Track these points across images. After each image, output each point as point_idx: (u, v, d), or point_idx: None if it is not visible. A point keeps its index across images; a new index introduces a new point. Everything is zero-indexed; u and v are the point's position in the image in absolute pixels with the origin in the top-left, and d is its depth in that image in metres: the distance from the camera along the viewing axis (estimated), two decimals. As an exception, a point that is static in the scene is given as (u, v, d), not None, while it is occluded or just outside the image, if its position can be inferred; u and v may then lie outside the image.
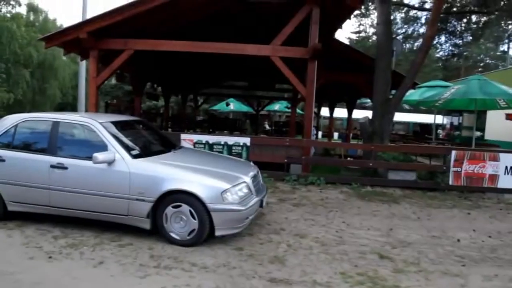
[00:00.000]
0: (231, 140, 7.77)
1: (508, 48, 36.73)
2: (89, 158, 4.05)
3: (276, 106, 26.50)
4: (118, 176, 4.09)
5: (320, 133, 23.61)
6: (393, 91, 9.46)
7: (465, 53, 38.23)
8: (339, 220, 5.41)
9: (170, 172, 4.07)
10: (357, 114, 20.75)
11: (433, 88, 14.19)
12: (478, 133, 20.99)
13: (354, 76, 11.05)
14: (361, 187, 7.60)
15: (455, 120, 25.23)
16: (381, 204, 6.52)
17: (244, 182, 4.27)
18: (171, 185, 3.94)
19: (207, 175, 4.07)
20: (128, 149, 4.29)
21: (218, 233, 3.97)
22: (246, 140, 7.81)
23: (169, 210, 3.99)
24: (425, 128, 26.53)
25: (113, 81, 28.71)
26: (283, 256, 3.93)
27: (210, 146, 7.68)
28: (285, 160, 8.05)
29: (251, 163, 5.31)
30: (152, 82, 15.39)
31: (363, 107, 27.75)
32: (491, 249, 4.60)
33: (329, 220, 5.38)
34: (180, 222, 4.00)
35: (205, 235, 3.98)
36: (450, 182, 7.52)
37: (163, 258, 3.73)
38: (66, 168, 4.24)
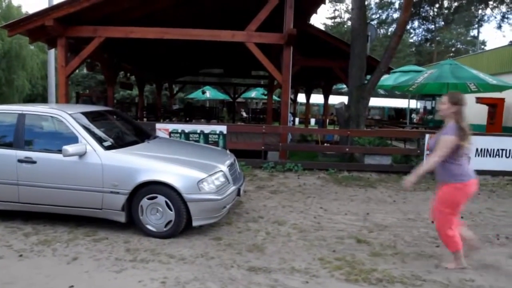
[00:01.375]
0: (207, 128, 7.67)
1: (478, 33, 37.68)
2: (59, 151, 3.89)
3: (253, 94, 26.43)
4: (91, 168, 3.95)
5: (297, 120, 23.72)
6: (368, 76, 9.53)
7: (437, 38, 39.02)
8: (317, 206, 5.45)
9: (144, 163, 3.96)
10: (334, 99, 20.93)
11: (407, 73, 14.44)
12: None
13: (330, 61, 11.08)
14: (338, 173, 7.69)
15: (428, 105, 25.82)
16: (358, 188, 6.61)
17: (221, 171, 4.22)
18: (146, 176, 3.85)
19: (182, 165, 3.99)
20: (100, 140, 4.14)
21: (195, 223, 3.91)
22: (223, 128, 7.73)
23: (145, 202, 3.90)
24: (400, 112, 27.09)
25: (85, 70, 27.91)
26: (262, 244, 3.92)
27: (186, 135, 7.56)
28: (262, 148, 8.02)
29: (228, 152, 5.25)
30: (125, 71, 14.98)
31: (339, 92, 27.98)
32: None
33: (307, 207, 5.42)
34: (156, 214, 3.92)
35: (182, 226, 3.92)
36: (424, 165, 7.68)
37: (139, 251, 3.65)
38: (34, 162, 4.07)
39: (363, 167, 7.79)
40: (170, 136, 7.55)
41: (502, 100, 16.72)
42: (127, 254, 3.58)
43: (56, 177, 4.03)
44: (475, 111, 17.71)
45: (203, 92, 24.14)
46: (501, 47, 18.59)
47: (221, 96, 26.22)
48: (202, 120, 19.24)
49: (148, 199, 3.89)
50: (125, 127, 5.20)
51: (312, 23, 11.20)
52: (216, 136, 7.62)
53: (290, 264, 3.49)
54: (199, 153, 4.74)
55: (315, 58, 11.37)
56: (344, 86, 21.83)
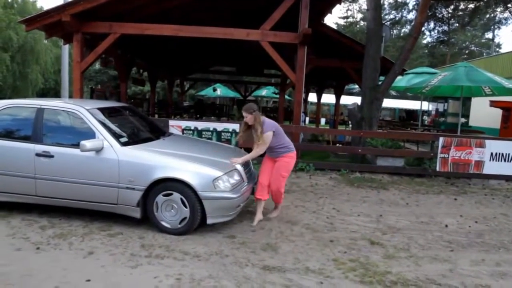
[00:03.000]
0: (220, 126, 7.69)
1: (494, 35, 37.14)
2: (76, 146, 3.94)
3: (264, 92, 26.42)
4: (107, 164, 3.99)
5: (307, 119, 23.66)
6: (382, 78, 9.47)
7: (451, 40, 38.58)
8: (329, 207, 5.43)
9: (160, 159, 3.99)
10: (345, 100, 20.82)
11: (420, 75, 14.31)
12: (462, 120, 21.35)
13: (343, 62, 11.03)
14: (350, 173, 7.66)
15: (441, 107, 25.54)
16: (370, 190, 6.58)
17: (235, 169, 4.23)
18: (162, 173, 3.87)
19: (198, 163, 4.01)
20: (116, 136, 4.18)
21: (209, 221, 3.93)
22: (236, 126, 7.74)
23: (160, 198, 3.93)
24: (411, 114, 26.85)
25: (97, 66, 28.15)
26: (275, 244, 3.92)
27: (199, 133, 7.59)
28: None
29: (242, 150, 5.26)
30: (138, 67, 15.07)
31: (350, 93, 27.84)
32: (478, 234, 4.69)
33: (320, 207, 5.41)
34: (171, 211, 3.95)
35: (196, 223, 3.94)
36: (437, 168, 7.62)
37: (154, 247, 3.68)
38: (52, 156, 4.12)
39: (375, 169, 7.75)
40: (183, 133, 7.59)
41: (517, 103, 16.47)
42: (142, 249, 3.62)
43: (73, 172, 4.08)
44: (489, 115, 17.52)
45: (214, 90, 24.19)
46: (514, 51, 18.32)
47: (231, 93, 26.26)
48: (213, 117, 19.31)
49: (164, 195, 3.92)
50: (140, 124, 5.24)
51: (325, 23, 11.15)
52: (229, 134, 7.64)
53: (304, 264, 3.49)
54: (213, 151, 4.76)
55: (328, 58, 11.33)
56: (356, 86, 21.71)
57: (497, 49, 37.63)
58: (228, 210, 3.96)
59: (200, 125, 7.67)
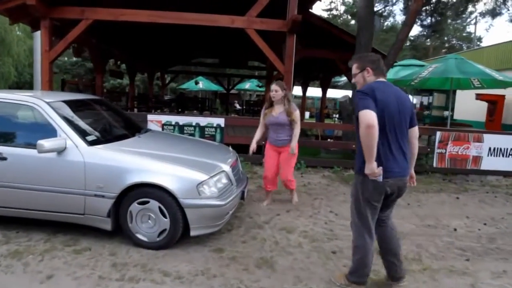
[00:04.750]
0: (203, 121, 7.09)
1: (475, 29, 37.39)
2: (34, 146, 3.30)
3: (247, 85, 25.82)
4: (71, 167, 3.37)
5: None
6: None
7: (433, 33, 38.67)
8: (326, 210, 4.93)
9: (134, 161, 3.39)
10: (330, 93, 20.42)
11: (408, 67, 13.97)
12: (447, 113, 21.26)
13: (332, 53, 10.50)
14: (343, 171, 7.19)
15: (425, 100, 25.50)
16: (367, 189, 6.11)
17: (223, 171, 3.67)
18: (136, 178, 3.28)
19: (179, 165, 3.42)
20: (83, 134, 3.55)
21: (193, 232, 3.36)
22: (220, 121, 7.16)
23: (135, 207, 3.34)
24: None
25: (74, 58, 26.93)
26: (271, 258, 3.38)
27: (181, 128, 6.97)
28: (263, 142, 7.46)
29: (230, 148, 4.69)
30: (116, 59, 14.25)
31: (334, 86, 27.42)
32: (490, 239, 4.28)
33: (316, 210, 4.90)
34: (148, 221, 3.36)
35: (178, 235, 3.37)
36: (434, 164, 7.23)
37: (128, 266, 3.09)
38: (5, 158, 3.46)
39: (369, 165, 7.28)
40: (163, 129, 6.95)
41: (502, 97, 16.37)
42: (113, 270, 3.02)
43: (30, 177, 3.44)
44: (475, 108, 17.39)
45: (196, 83, 23.44)
46: (501, 43, 18.23)
47: (214, 87, 25.55)
48: (195, 111, 18.62)
49: (139, 204, 3.33)
50: (114, 119, 4.60)
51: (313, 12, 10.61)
52: (213, 130, 7.04)
53: (307, 284, 2.97)
54: (197, 150, 4.19)
55: (316, 48, 10.80)
56: (342, 79, 21.41)
57: (478, 42, 37.96)
58: (215, 219, 3.40)
59: (182, 119, 7.04)
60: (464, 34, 42.01)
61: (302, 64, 12.10)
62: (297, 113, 4.65)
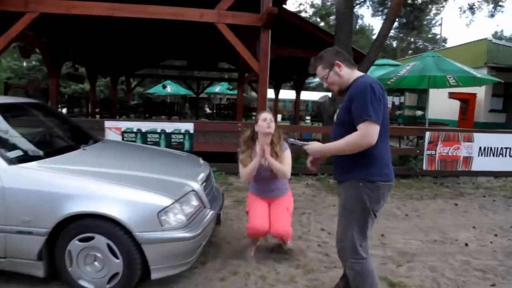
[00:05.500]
0: (170, 126, 6.23)
1: (441, 31, 38.33)
2: None
3: (217, 88, 24.95)
4: (-16, 194, 2.48)
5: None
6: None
7: (400, 35, 39.32)
8: (316, 227, 4.22)
9: (73, 184, 2.54)
10: (302, 95, 19.86)
11: (382, 67, 13.63)
12: (419, 112, 21.28)
13: (307, 52, 9.81)
14: (328, 178, 6.52)
15: (396, 100, 25.51)
16: (357, 198, 5.46)
17: (193, 190, 2.86)
18: (76, 206, 2.43)
19: (134, 186, 2.59)
20: (2, 148, 2.67)
21: (155, 275, 2.54)
22: (189, 126, 6.32)
23: (75, 245, 2.49)
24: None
25: (34, 62, 25.16)
26: (258, 303, 2.62)
27: (143, 136, 6.08)
28: (238, 149, 6.70)
29: (200, 159, 3.87)
30: (73, 61, 13.09)
31: (305, 88, 27.01)
32: (506, 254, 3.71)
33: (305, 228, 4.18)
34: (94, 264, 2.52)
35: (135, 280, 2.54)
36: (424, 167, 6.71)
37: (63, 331, 2.24)
38: None
39: (355, 171, 6.67)
40: (123, 137, 6.05)
41: (474, 95, 16.40)
42: None
43: None
44: (447, 107, 17.34)
45: (164, 87, 22.35)
46: (470, 42, 18.35)
47: (183, 91, 24.52)
48: (163, 116, 17.61)
49: (81, 241, 2.48)
50: (54, 128, 3.70)
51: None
52: (181, 137, 6.21)
53: None
54: (160, 164, 3.37)
55: (290, 47, 10.17)
56: (314, 80, 20.94)
57: (444, 43, 38.81)
58: (183, 256, 2.59)
59: (145, 126, 6.16)
60: (429, 36, 42.96)
61: (274, 64, 11.44)
62: (287, 154, 3.25)
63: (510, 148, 6.99)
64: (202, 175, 3.19)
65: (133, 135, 6.04)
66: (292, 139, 2.53)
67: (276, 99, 18.75)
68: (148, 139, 6.08)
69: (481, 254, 3.69)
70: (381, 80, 12.29)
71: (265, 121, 3.14)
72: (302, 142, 2.42)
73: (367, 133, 2.10)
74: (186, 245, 2.54)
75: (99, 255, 2.48)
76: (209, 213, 2.93)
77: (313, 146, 2.34)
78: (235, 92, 18.65)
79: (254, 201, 3.36)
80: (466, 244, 3.88)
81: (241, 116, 11.86)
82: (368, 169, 2.22)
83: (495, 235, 4.22)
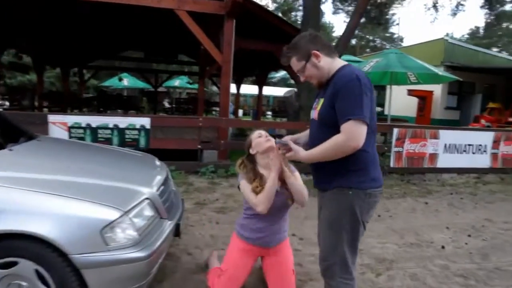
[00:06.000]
0: (123, 121, 5.65)
1: (399, 29, 39.50)
2: None
3: (176, 82, 24.13)
4: None
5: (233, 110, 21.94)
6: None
7: (359, 33, 40.06)
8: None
9: (-9, 194, 2.00)
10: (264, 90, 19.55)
11: (346, 63, 13.64)
12: (379, 108, 21.66)
13: (271, 44, 9.51)
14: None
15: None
16: (326, 198, 5.18)
17: (146, 198, 2.39)
18: (-7, 223, 1.90)
19: (72, 196, 2.08)
20: None
21: (99, 304, 2.06)
22: (145, 121, 5.77)
23: (-7, 272, 1.96)
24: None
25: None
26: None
27: (93, 132, 5.47)
28: (199, 146, 6.26)
29: (157, 160, 3.37)
30: (17, 49, 11.95)
31: (267, 83, 26.81)
32: (483, 256, 3.58)
33: (274, 234, 3.81)
34: (17, 294, 2.00)
35: (73, 312, 2.05)
36: (392, 164, 6.58)
37: None
38: None
39: (323, 169, 6.41)
40: (70, 134, 5.40)
41: (431, 92, 16.87)
42: None
43: None
44: (405, 104, 17.73)
45: (120, 80, 21.25)
46: (428, 41, 18.85)
47: (141, 84, 23.44)
48: (119, 111, 16.66)
49: (1, 267, 1.96)
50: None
51: None
52: (136, 132, 5.65)
53: None
54: (108, 166, 2.85)
55: (254, 39, 9.77)
56: (277, 75, 20.74)
57: (400, 42, 40.03)
58: (134, 280, 2.11)
59: (95, 120, 5.54)
60: (386, 35, 44.14)
61: (236, 58, 11.02)
62: (298, 175, 2.42)
63: (473, 145, 7.03)
64: (158, 179, 2.72)
65: (82, 131, 5.40)
66: (278, 141, 2.13)
67: (238, 94, 18.31)
68: (99, 136, 5.47)
69: (458, 257, 3.51)
70: (344, 76, 12.28)
71: (261, 136, 2.40)
72: (293, 146, 2.03)
73: (352, 134, 1.76)
74: (138, 267, 2.08)
75: (24, 284, 1.97)
76: (167, 225, 2.48)
77: (299, 153, 1.98)
78: (196, 86, 18.05)
79: (239, 259, 2.44)
80: (443, 247, 3.69)
81: (202, 111, 11.37)
82: (358, 174, 1.89)
83: (469, 235, 4.08)
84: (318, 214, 2.18)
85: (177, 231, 2.64)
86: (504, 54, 23.50)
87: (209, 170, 6.03)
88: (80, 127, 5.41)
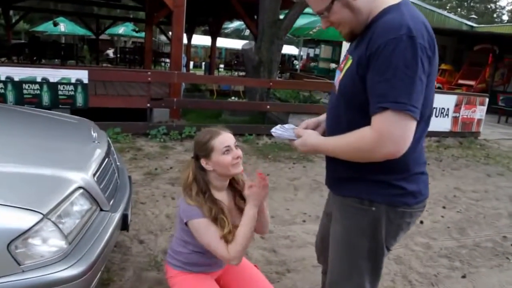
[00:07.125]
0: (55, 74, 4.70)
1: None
2: None
3: (121, 30, 22.16)
4: None
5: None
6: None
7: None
8: (254, 208, 3.41)
9: None
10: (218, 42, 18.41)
11: (305, 16, 12.96)
12: (334, 65, 21.45)
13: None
14: (256, 139, 5.73)
15: (311, 52, 25.50)
16: (292, 165, 4.77)
17: (79, 188, 1.73)
18: None
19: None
20: None
21: None
22: (82, 75, 4.86)
23: None
24: (282, 58, 26.15)
25: None
26: None
27: (17, 87, 4.50)
28: (148, 105, 5.51)
29: (93, 127, 2.63)
30: None
31: (219, 34, 25.41)
32: (460, 230, 3.47)
33: (240, 211, 3.34)
34: None
35: None
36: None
37: None
38: None
39: (286, 130, 5.97)
40: (-14, 88, 4.41)
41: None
42: None
43: None
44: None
45: (55, 24, 18.99)
46: None
47: (80, 31, 21.20)
48: (56, 60, 14.92)
49: None
50: None
51: None
52: (71, 88, 4.76)
53: None
54: (25, 142, 2.11)
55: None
56: (231, 25, 19.56)
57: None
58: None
59: (19, 73, 4.54)
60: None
61: (188, 2, 9.95)
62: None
63: (436, 108, 6.89)
64: (95, 157, 2.06)
65: (1, 85, 4.43)
66: (279, 130, 1.50)
67: (189, 45, 17.08)
68: (25, 92, 4.52)
69: (437, 233, 3.30)
70: (303, 30, 11.68)
71: (229, 151, 1.58)
72: (290, 135, 1.43)
73: (388, 136, 1.09)
74: (69, 288, 1.49)
75: None
76: (110, 218, 1.87)
77: (306, 142, 1.32)
78: (142, 34, 16.52)
79: (202, 282, 1.67)
80: (421, 222, 3.43)
81: (149, 63, 10.36)
82: (388, 181, 1.25)
83: (443, 207, 3.89)
84: (325, 215, 1.65)
85: (124, 224, 2.04)
86: (455, 16, 23.90)
87: (161, 132, 5.35)
88: (-1, 81, 4.42)
